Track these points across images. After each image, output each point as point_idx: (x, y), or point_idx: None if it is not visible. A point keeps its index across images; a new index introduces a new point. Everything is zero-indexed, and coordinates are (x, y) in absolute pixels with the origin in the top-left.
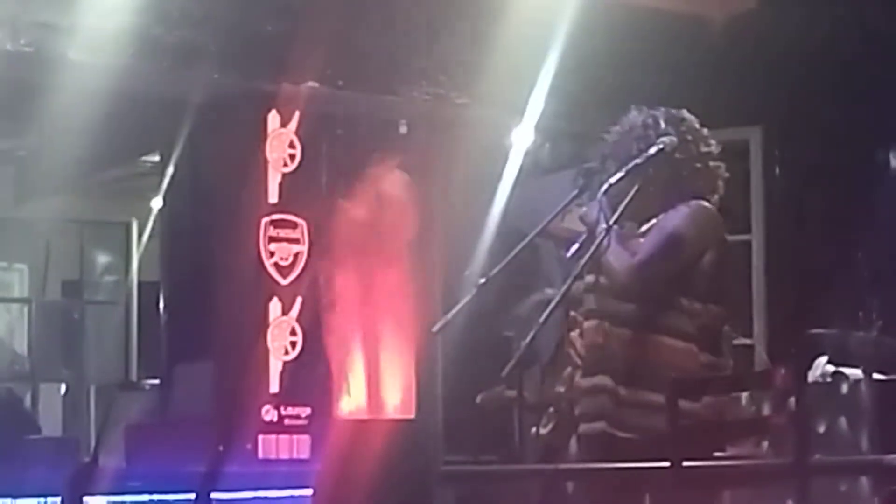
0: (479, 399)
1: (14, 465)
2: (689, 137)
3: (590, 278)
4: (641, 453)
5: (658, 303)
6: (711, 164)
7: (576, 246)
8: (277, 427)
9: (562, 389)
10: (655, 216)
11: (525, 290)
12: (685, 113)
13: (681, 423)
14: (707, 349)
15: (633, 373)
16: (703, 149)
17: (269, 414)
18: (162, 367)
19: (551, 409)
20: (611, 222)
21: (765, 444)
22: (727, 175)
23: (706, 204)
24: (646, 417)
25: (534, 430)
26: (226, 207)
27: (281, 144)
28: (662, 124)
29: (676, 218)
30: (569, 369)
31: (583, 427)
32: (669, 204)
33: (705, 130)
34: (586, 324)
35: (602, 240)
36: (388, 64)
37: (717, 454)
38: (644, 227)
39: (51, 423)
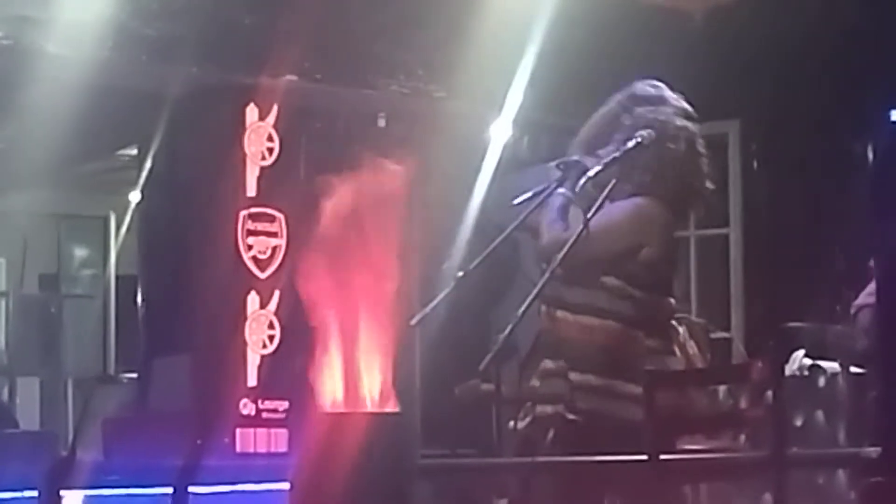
0: (456, 391)
1: None
2: (666, 134)
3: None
4: (596, 438)
5: (593, 286)
6: (686, 163)
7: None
8: (255, 421)
9: (537, 383)
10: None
11: (504, 283)
12: (669, 108)
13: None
14: (655, 336)
15: (581, 357)
16: (671, 145)
17: (246, 407)
18: (139, 360)
19: (528, 403)
20: (588, 216)
21: (742, 437)
22: (706, 171)
23: (653, 202)
24: (598, 401)
25: (511, 423)
26: (204, 201)
27: (259, 138)
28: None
29: (617, 209)
30: (544, 362)
31: (538, 409)
32: (622, 194)
33: (688, 124)
34: (542, 308)
35: (581, 232)
36: (366, 57)
37: (693, 447)
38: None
39: (28, 416)
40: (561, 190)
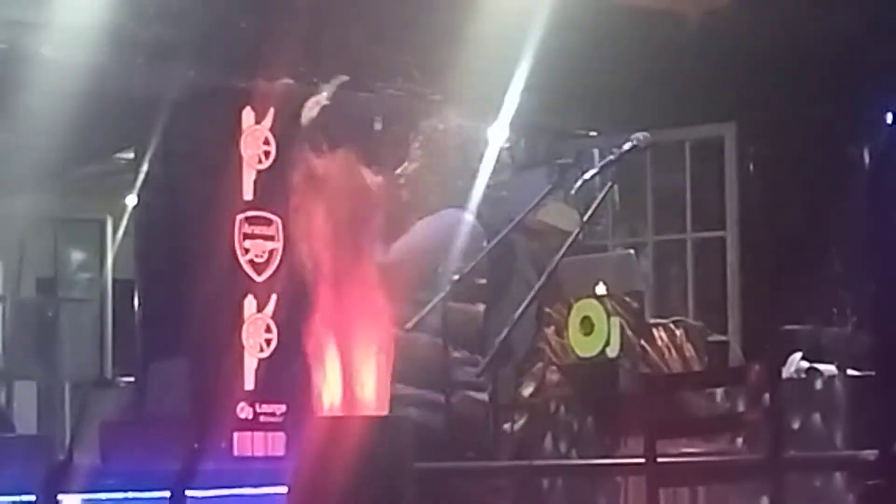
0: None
1: None
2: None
3: None
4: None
5: (404, 301)
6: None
7: None
8: (252, 424)
9: (532, 386)
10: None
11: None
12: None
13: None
14: (462, 346)
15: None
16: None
17: (244, 411)
18: (137, 364)
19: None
20: (584, 219)
21: (739, 440)
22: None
23: (462, 215)
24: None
25: (507, 426)
26: (200, 204)
27: (255, 141)
28: None
29: (425, 227)
30: (539, 364)
31: None
32: (427, 210)
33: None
34: None
35: (577, 235)
36: (362, 60)
37: (690, 450)
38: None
39: (25, 420)
40: None
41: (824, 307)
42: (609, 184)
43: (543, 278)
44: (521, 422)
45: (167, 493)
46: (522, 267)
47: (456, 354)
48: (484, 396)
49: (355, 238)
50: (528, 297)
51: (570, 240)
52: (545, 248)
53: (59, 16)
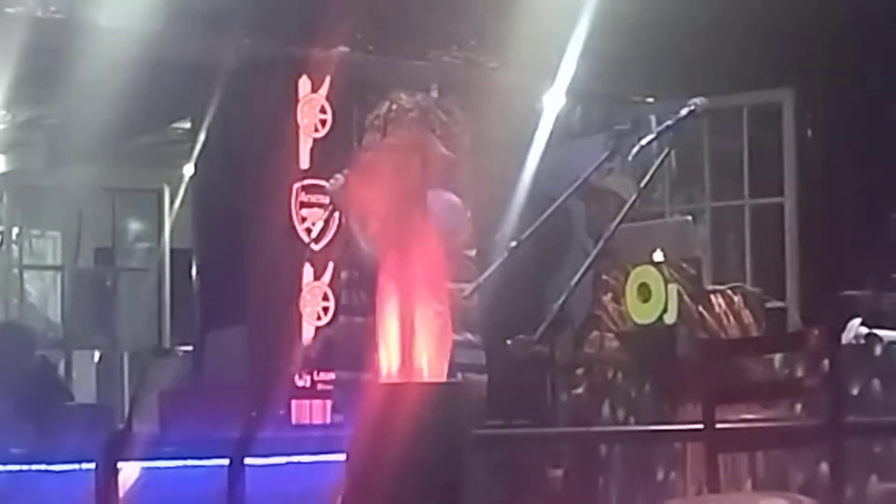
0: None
1: (49, 432)
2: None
3: None
4: None
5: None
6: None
7: None
8: (310, 392)
9: (591, 351)
10: None
11: (557, 253)
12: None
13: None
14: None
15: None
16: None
17: (301, 379)
18: (194, 333)
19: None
20: (642, 185)
21: (798, 406)
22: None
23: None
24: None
25: (569, 399)
26: (257, 173)
27: (312, 110)
28: None
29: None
30: (596, 332)
31: None
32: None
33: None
34: None
35: (633, 202)
36: (418, 28)
37: (749, 416)
38: None
39: (84, 390)
40: None
41: (883, 273)
42: (666, 150)
43: (600, 245)
44: (580, 389)
45: (226, 461)
46: (579, 235)
47: (455, 337)
48: (483, 378)
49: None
50: (585, 264)
51: (626, 206)
52: (604, 212)
53: None
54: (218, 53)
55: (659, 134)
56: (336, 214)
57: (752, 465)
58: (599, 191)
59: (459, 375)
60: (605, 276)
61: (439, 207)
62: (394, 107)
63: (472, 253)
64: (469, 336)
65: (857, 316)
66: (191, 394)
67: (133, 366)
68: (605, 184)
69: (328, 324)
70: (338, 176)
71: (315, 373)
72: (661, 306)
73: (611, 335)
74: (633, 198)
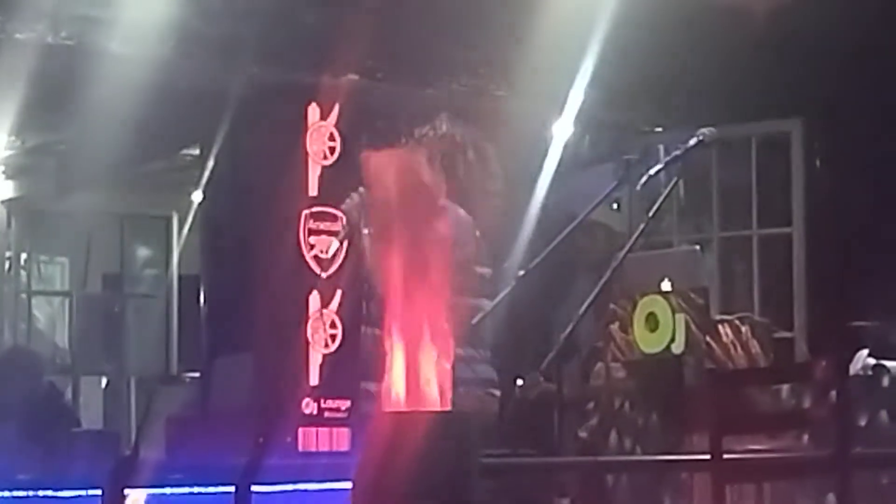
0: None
1: (55, 458)
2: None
3: None
4: None
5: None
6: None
7: None
8: (317, 420)
9: (599, 383)
10: None
11: (565, 282)
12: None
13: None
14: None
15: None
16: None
17: (308, 407)
18: (202, 360)
19: (591, 405)
20: (650, 215)
21: (805, 436)
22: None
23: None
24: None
25: (576, 429)
26: (265, 200)
27: (321, 137)
28: None
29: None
30: (600, 364)
31: None
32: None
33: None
34: None
35: (642, 231)
36: (427, 56)
37: (756, 447)
38: None
39: (92, 416)
40: None
41: (891, 304)
42: (674, 180)
43: (608, 274)
44: (590, 419)
45: (232, 488)
46: (586, 263)
47: (459, 351)
48: (494, 393)
49: (422, 233)
50: (594, 294)
51: (635, 235)
52: (594, 245)
53: (125, 12)
54: (227, 80)
55: (667, 164)
56: (345, 243)
57: (759, 496)
58: (588, 223)
59: (462, 390)
60: (612, 306)
61: (448, 220)
62: (430, 133)
63: (486, 271)
64: (475, 351)
65: (865, 347)
66: (198, 420)
67: (140, 392)
68: (593, 216)
69: (335, 351)
70: (353, 195)
71: (322, 400)
72: (669, 336)
73: (616, 364)
74: (641, 226)
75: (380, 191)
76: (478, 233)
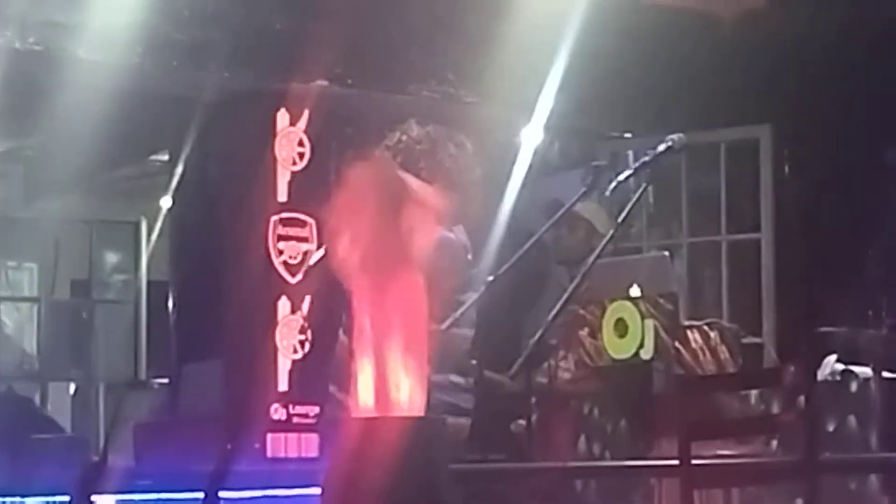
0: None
1: (22, 464)
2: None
3: None
4: None
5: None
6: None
7: None
8: (286, 426)
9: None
10: None
11: (534, 288)
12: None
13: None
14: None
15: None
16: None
17: (277, 413)
18: (171, 366)
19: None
20: (619, 221)
21: (774, 442)
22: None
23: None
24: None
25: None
26: (235, 206)
27: (290, 143)
28: None
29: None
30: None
31: None
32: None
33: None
34: None
35: (608, 241)
36: (397, 62)
37: (725, 452)
38: None
39: (60, 422)
40: None
41: (859, 309)
42: (643, 186)
43: (577, 279)
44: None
45: (200, 494)
46: (556, 270)
47: (436, 377)
48: (464, 422)
49: (393, 238)
50: (563, 299)
51: (603, 241)
52: (573, 237)
53: (93, 17)
54: (196, 86)
55: (636, 169)
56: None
57: (728, 502)
58: (570, 216)
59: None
60: (581, 311)
61: (438, 247)
62: (403, 138)
63: (465, 297)
64: (453, 378)
65: (834, 352)
66: (166, 426)
67: (108, 398)
68: (576, 210)
69: (304, 357)
70: (328, 201)
71: (291, 406)
72: (638, 341)
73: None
74: (611, 232)
75: (359, 200)
76: (469, 256)
